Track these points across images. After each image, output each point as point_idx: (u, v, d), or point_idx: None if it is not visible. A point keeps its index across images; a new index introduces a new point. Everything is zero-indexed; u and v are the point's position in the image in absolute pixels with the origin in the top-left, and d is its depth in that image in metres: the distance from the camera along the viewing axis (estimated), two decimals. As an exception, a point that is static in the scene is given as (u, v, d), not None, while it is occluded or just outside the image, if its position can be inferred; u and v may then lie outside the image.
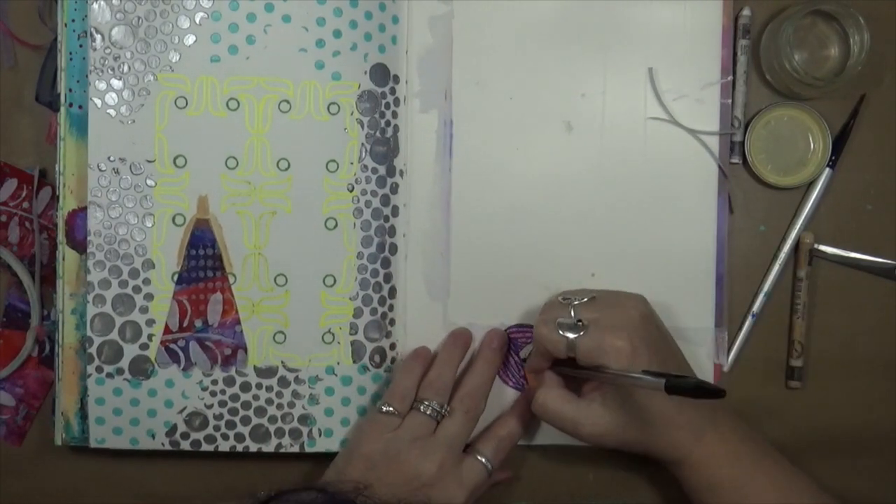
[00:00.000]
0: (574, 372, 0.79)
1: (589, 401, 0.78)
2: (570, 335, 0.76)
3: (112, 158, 0.81)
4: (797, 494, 0.78)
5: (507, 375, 0.86)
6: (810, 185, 0.86)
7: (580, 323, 0.76)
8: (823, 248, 0.86)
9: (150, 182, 0.81)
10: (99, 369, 0.81)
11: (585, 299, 0.78)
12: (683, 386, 0.67)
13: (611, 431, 0.77)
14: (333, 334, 0.83)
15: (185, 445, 0.82)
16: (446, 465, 0.77)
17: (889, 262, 0.86)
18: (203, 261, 0.82)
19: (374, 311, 0.83)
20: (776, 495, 0.77)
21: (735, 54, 0.85)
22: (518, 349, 0.85)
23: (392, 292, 0.84)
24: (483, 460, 0.79)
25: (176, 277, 0.81)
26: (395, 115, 0.84)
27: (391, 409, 0.79)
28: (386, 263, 0.84)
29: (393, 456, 0.77)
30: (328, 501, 0.66)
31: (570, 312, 0.77)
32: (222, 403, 0.82)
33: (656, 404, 0.75)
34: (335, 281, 0.82)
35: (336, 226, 0.82)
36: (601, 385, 0.78)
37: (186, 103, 0.81)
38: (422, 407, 0.79)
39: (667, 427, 0.76)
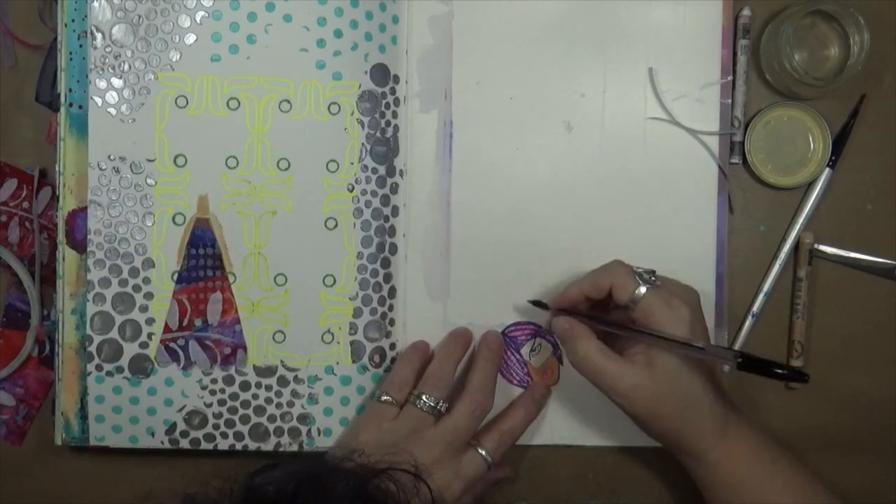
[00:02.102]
0: (619, 330, 0.77)
1: (632, 362, 0.76)
2: (642, 288, 0.75)
3: (112, 157, 0.81)
4: (813, 497, 0.77)
5: (509, 373, 0.86)
6: (810, 185, 0.86)
7: (654, 279, 0.76)
8: (823, 248, 0.86)
9: (150, 181, 0.81)
10: (99, 367, 0.81)
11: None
12: (762, 363, 0.67)
13: (647, 397, 0.75)
14: (333, 334, 0.83)
15: (185, 444, 0.82)
16: (444, 458, 0.77)
17: (889, 261, 0.86)
18: (203, 260, 0.82)
19: (373, 311, 0.83)
20: (793, 498, 0.77)
21: (735, 54, 0.85)
22: (519, 347, 0.85)
23: (392, 292, 0.84)
24: (483, 453, 0.79)
25: (176, 276, 0.82)
26: (395, 115, 0.84)
27: (389, 398, 0.79)
28: (386, 263, 0.84)
29: (388, 446, 0.75)
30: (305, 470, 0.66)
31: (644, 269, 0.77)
32: (222, 402, 0.82)
33: (697, 388, 0.74)
34: (335, 281, 0.82)
35: (336, 226, 0.82)
36: (647, 351, 0.75)
37: (187, 102, 0.81)
38: (418, 402, 0.79)
39: (699, 414, 0.75)
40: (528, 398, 0.84)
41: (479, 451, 0.79)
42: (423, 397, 0.79)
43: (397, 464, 0.65)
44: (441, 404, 0.79)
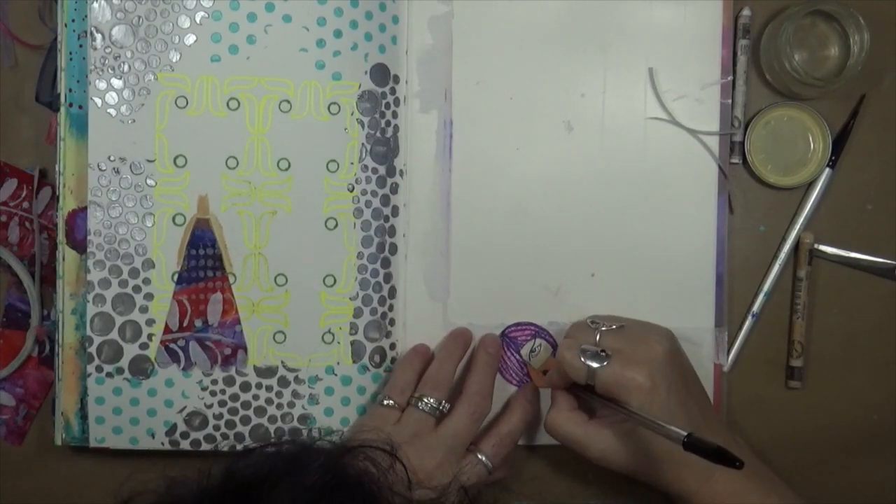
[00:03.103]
0: (591, 398, 0.79)
1: (599, 425, 0.78)
2: (593, 364, 0.75)
3: (112, 158, 0.81)
4: None
5: (509, 374, 0.86)
6: (810, 185, 0.86)
7: (603, 353, 0.76)
8: (823, 247, 0.86)
9: (150, 182, 0.81)
10: (99, 369, 0.81)
11: (614, 326, 0.79)
12: (703, 447, 0.66)
13: (618, 458, 0.77)
14: (333, 334, 0.83)
15: (185, 445, 0.82)
16: (445, 464, 0.76)
17: (889, 261, 0.86)
18: (203, 260, 0.82)
19: (374, 311, 0.83)
20: None
21: (735, 54, 0.85)
22: (519, 348, 0.85)
23: (392, 292, 0.84)
24: (483, 458, 0.79)
25: (176, 277, 0.81)
26: (395, 115, 0.84)
27: (391, 402, 0.79)
28: (386, 263, 0.84)
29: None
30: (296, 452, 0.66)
31: (596, 338, 0.77)
32: (222, 403, 0.82)
33: (665, 443, 0.73)
34: (335, 281, 0.82)
35: (336, 226, 0.82)
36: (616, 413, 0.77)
37: (187, 103, 0.81)
38: (420, 403, 0.78)
39: (675, 464, 0.76)
40: (522, 399, 0.84)
41: (479, 456, 0.79)
42: (425, 399, 0.79)
43: (372, 441, 0.65)
44: (443, 405, 0.79)
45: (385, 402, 0.79)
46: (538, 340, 0.86)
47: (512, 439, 0.81)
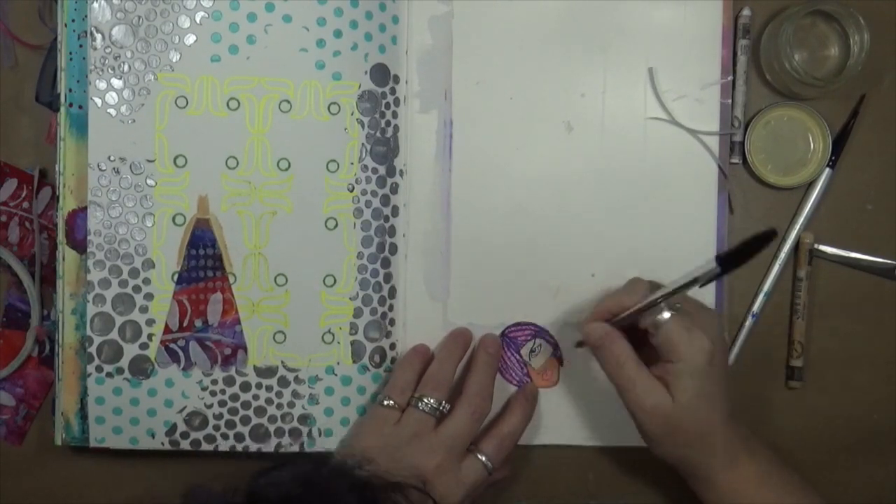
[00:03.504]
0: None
1: (661, 382, 0.74)
2: (665, 313, 0.74)
3: (112, 158, 0.81)
4: None
5: (509, 374, 0.86)
6: (810, 185, 0.86)
7: (678, 304, 0.75)
8: (823, 247, 0.86)
9: (150, 182, 0.81)
10: (99, 368, 0.81)
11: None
12: (737, 253, 0.69)
13: (665, 420, 0.74)
14: (333, 334, 0.83)
15: (185, 445, 0.82)
16: (445, 464, 0.76)
17: (889, 262, 0.86)
18: (203, 260, 0.82)
19: (374, 311, 0.83)
20: None
21: (735, 54, 0.85)
22: (519, 347, 0.85)
23: (392, 292, 0.84)
24: (483, 459, 0.78)
25: (176, 277, 0.81)
26: (395, 115, 0.84)
27: (391, 402, 0.79)
28: (386, 263, 0.84)
29: (391, 451, 0.76)
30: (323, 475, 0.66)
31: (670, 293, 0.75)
32: (222, 403, 0.82)
33: (714, 419, 0.74)
34: (335, 281, 0.82)
35: (336, 226, 0.82)
36: (669, 376, 0.74)
37: (187, 103, 0.81)
38: (420, 404, 0.78)
39: (712, 443, 0.75)
40: (522, 399, 0.83)
41: (479, 456, 0.78)
42: (425, 399, 0.78)
43: (406, 479, 0.66)
44: (443, 405, 0.79)
45: (385, 403, 0.79)
46: (538, 340, 0.86)
47: (512, 439, 0.81)
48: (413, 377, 0.81)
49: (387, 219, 0.83)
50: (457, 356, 0.83)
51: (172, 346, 0.82)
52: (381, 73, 0.83)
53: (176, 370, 0.82)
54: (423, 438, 0.77)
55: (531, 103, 0.85)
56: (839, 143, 0.85)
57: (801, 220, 0.86)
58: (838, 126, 0.86)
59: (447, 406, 0.79)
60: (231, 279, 0.82)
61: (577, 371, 0.86)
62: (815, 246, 0.86)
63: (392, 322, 0.84)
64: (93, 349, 0.81)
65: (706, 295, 0.85)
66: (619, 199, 0.85)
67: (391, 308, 0.84)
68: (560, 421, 0.86)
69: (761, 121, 0.85)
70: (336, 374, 0.83)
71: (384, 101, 0.83)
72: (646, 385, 0.74)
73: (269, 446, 0.83)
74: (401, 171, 0.84)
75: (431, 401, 0.78)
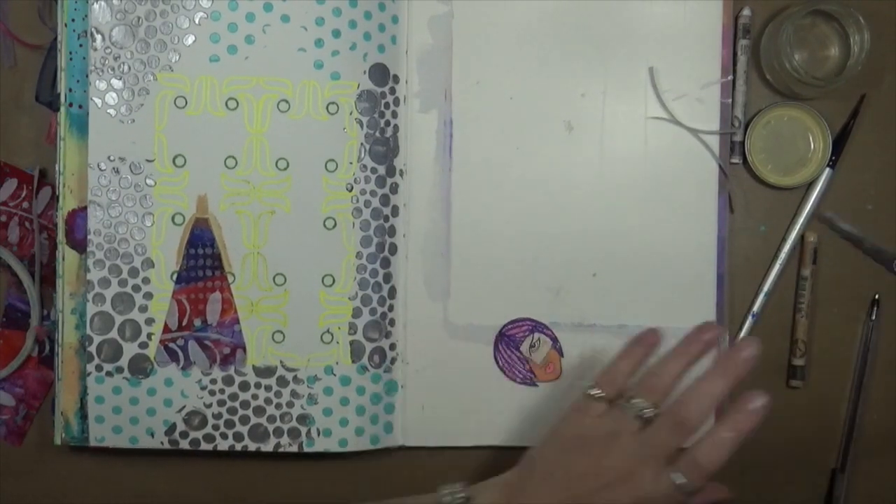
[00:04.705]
0: None
1: None
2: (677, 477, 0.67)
3: (112, 158, 0.81)
4: None
5: (511, 372, 0.85)
6: (810, 184, 0.86)
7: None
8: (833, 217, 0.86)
9: (149, 181, 0.81)
10: (98, 368, 0.81)
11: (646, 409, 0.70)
12: None
13: None
14: (332, 334, 0.83)
15: (185, 444, 0.82)
16: (635, 474, 0.68)
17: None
18: (202, 260, 0.82)
19: (373, 311, 0.83)
20: None
21: (735, 54, 0.85)
22: (518, 344, 0.85)
23: (392, 292, 0.84)
24: (678, 482, 0.67)
25: (175, 276, 0.82)
26: (394, 114, 0.84)
27: (599, 392, 0.72)
28: (385, 263, 0.83)
29: (585, 445, 0.70)
30: None
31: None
32: (221, 403, 0.82)
33: None
34: (334, 281, 0.82)
35: (335, 225, 0.82)
36: None
37: (186, 103, 0.81)
38: (628, 403, 0.70)
39: None
40: (739, 411, 0.68)
41: (677, 477, 0.67)
42: (634, 400, 0.70)
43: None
44: (652, 412, 0.70)
45: (593, 392, 0.72)
46: (536, 335, 0.86)
47: (719, 462, 0.67)
48: (629, 370, 0.73)
49: (386, 219, 0.83)
50: (688, 358, 0.72)
51: (172, 345, 0.82)
52: (381, 73, 0.83)
53: (175, 369, 0.82)
54: (619, 439, 0.69)
55: (531, 103, 0.85)
56: (839, 143, 0.85)
57: (802, 219, 0.86)
58: (838, 126, 0.86)
59: (656, 413, 0.70)
60: (230, 279, 0.82)
61: (578, 361, 0.86)
62: (826, 214, 0.86)
63: (392, 322, 0.84)
64: (92, 348, 0.81)
65: (707, 294, 0.84)
66: (619, 199, 0.85)
67: (391, 308, 0.84)
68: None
69: (761, 121, 0.85)
70: (335, 374, 0.83)
71: (383, 101, 0.83)
72: None
73: (267, 446, 0.83)
74: (401, 170, 0.84)
75: (640, 402, 0.70)
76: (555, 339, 0.85)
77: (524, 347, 0.85)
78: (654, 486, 0.67)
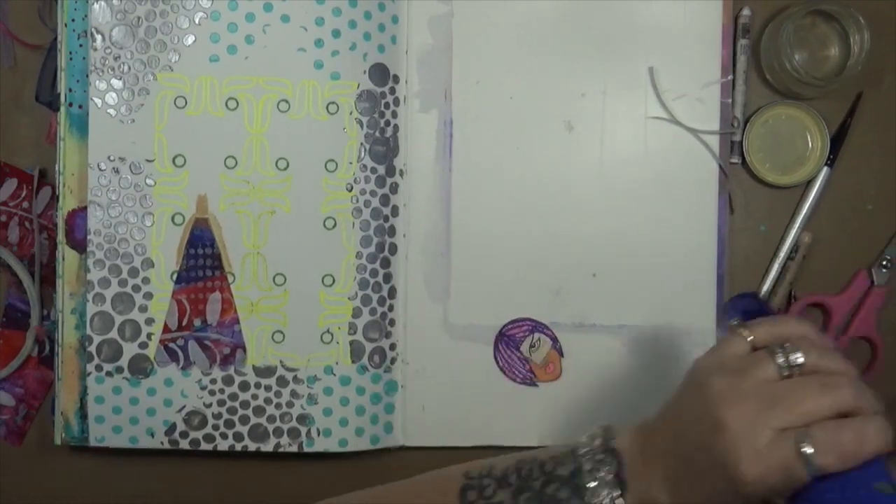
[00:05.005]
0: None
1: None
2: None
3: (112, 158, 0.81)
4: None
5: (512, 372, 0.85)
6: (808, 183, 0.86)
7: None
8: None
9: (149, 181, 0.81)
10: (98, 368, 0.81)
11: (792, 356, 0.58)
12: None
13: None
14: (332, 334, 0.83)
15: (185, 444, 0.82)
16: (748, 414, 0.57)
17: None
18: (202, 260, 0.82)
19: (373, 311, 0.83)
20: None
21: (735, 54, 0.85)
22: (518, 344, 0.85)
23: (392, 292, 0.84)
24: (807, 451, 0.55)
25: (175, 276, 0.82)
26: (394, 114, 0.84)
27: (748, 334, 0.61)
28: (385, 263, 0.83)
29: (706, 375, 0.59)
30: None
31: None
32: (221, 402, 0.82)
33: None
34: (334, 281, 0.82)
35: (335, 225, 0.82)
36: None
37: (186, 103, 0.81)
38: (776, 352, 0.58)
39: None
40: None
41: (805, 447, 0.55)
42: (782, 349, 0.59)
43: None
44: (802, 359, 0.58)
45: (743, 332, 0.61)
46: (536, 335, 0.85)
47: (856, 453, 0.55)
48: (789, 334, 0.60)
49: (386, 219, 0.83)
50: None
51: (171, 345, 0.82)
52: (381, 73, 0.83)
53: (175, 369, 0.82)
54: (752, 378, 0.58)
55: (531, 103, 0.85)
56: (837, 142, 0.85)
57: (800, 218, 0.86)
58: (836, 125, 0.86)
59: (799, 370, 0.58)
60: (230, 278, 0.82)
61: (578, 361, 0.85)
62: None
63: (392, 322, 0.84)
64: (92, 348, 0.81)
65: (707, 294, 0.84)
66: (619, 199, 0.85)
67: (391, 308, 0.84)
68: (561, 418, 0.86)
69: (759, 120, 0.85)
70: (335, 374, 0.83)
71: (383, 101, 0.83)
72: None
73: (267, 446, 0.83)
74: (401, 170, 0.84)
75: (794, 356, 0.58)
76: (555, 339, 0.85)
77: (524, 347, 0.85)
78: (775, 451, 0.56)
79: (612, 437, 0.63)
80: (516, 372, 0.86)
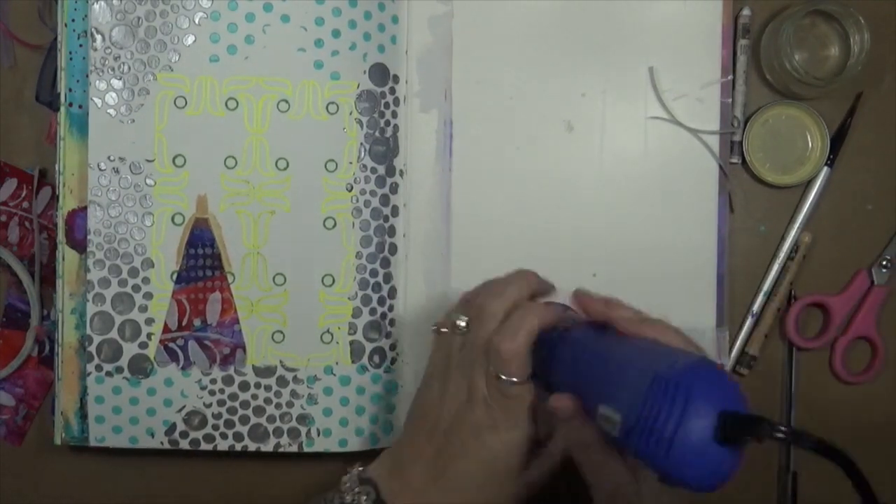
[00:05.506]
0: None
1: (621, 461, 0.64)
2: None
3: (112, 158, 0.81)
4: None
5: None
6: (808, 183, 0.86)
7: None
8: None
9: (149, 181, 0.81)
10: (98, 368, 0.81)
11: None
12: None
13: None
14: (332, 334, 0.83)
15: (184, 444, 0.82)
16: (474, 383, 0.67)
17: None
18: (202, 260, 0.82)
19: (373, 311, 0.83)
20: None
21: (735, 54, 0.85)
22: None
23: (392, 292, 0.84)
24: (491, 369, 0.67)
25: (175, 276, 0.82)
26: (394, 114, 0.84)
27: (435, 326, 0.73)
28: (385, 263, 0.83)
29: (431, 380, 0.71)
30: None
31: None
32: (221, 402, 0.82)
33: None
34: (334, 280, 0.82)
35: (335, 225, 0.82)
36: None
37: (186, 103, 0.81)
38: (446, 320, 0.71)
39: None
40: (538, 304, 0.71)
41: (491, 370, 0.66)
42: (450, 315, 0.71)
43: None
44: (464, 319, 0.70)
45: (431, 328, 0.73)
46: None
47: (510, 337, 0.66)
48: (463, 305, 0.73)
49: (386, 219, 0.83)
50: (502, 288, 0.71)
51: (171, 345, 0.82)
52: (380, 73, 0.83)
53: (175, 369, 0.82)
54: (452, 359, 0.70)
55: (531, 103, 0.85)
56: (837, 142, 0.85)
57: (800, 218, 0.86)
58: (836, 125, 0.86)
59: (468, 319, 0.70)
60: (230, 278, 0.82)
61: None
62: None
63: (392, 322, 0.84)
64: (92, 348, 0.81)
65: (707, 294, 0.84)
66: (619, 199, 0.85)
67: (391, 308, 0.84)
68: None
69: (759, 119, 0.85)
70: (335, 374, 0.83)
71: (383, 101, 0.83)
72: (612, 468, 0.63)
73: (267, 446, 0.83)
74: (401, 170, 0.84)
75: (454, 314, 0.71)
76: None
77: None
78: (485, 384, 0.67)
79: (367, 465, 0.72)
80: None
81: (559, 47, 0.85)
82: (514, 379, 0.66)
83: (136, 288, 0.81)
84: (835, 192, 0.86)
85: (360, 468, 0.72)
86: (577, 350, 0.65)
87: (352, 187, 0.82)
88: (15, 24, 0.86)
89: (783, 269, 0.86)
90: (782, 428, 0.52)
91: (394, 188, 0.84)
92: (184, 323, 0.82)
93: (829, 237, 0.86)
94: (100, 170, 0.81)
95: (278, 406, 0.83)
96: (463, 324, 0.70)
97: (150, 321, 0.82)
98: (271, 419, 0.83)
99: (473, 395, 0.67)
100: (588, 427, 0.62)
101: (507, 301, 0.70)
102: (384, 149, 0.83)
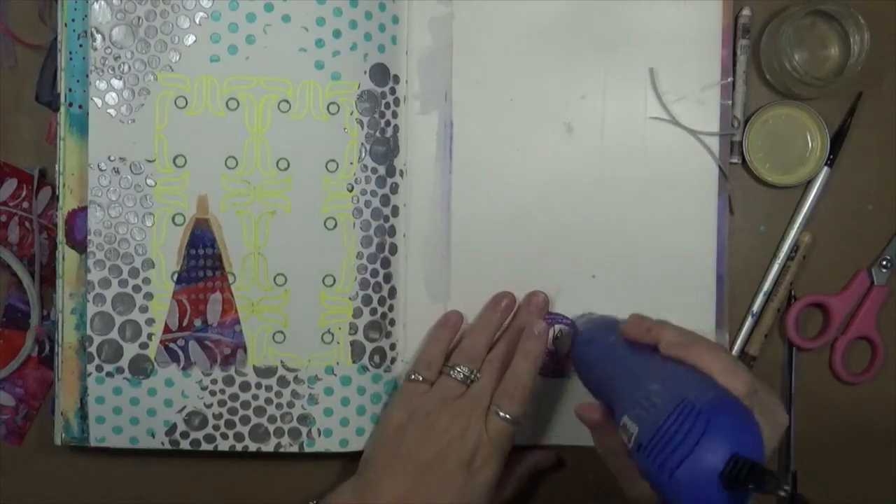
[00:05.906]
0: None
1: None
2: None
3: (112, 158, 0.81)
4: None
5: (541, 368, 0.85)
6: (808, 183, 0.86)
7: None
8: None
9: (149, 182, 0.81)
10: (99, 368, 0.81)
11: None
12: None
13: None
14: (333, 334, 0.83)
15: (185, 445, 0.82)
16: (468, 426, 0.76)
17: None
18: (203, 260, 0.82)
19: (373, 311, 0.83)
20: None
21: (735, 54, 0.85)
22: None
23: (392, 292, 0.84)
24: (501, 414, 0.77)
25: (175, 277, 0.82)
26: (395, 115, 0.84)
27: (418, 376, 0.81)
28: (386, 263, 0.83)
29: (422, 416, 0.77)
30: None
31: None
32: (222, 403, 0.82)
33: None
34: (334, 281, 0.82)
35: (335, 225, 0.82)
36: None
37: (186, 103, 0.81)
38: (452, 372, 0.79)
39: None
40: (524, 339, 0.80)
41: (497, 412, 0.77)
42: (457, 368, 0.80)
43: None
44: (475, 373, 0.79)
45: (413, 377, 0.81)
46: (557, 326, 0.85)
47: (523, 385, 0.78)
48: (441, 352, 0.82)
49: (387, 219, 0.83)
50: (493, 325, 0.83)
51: (172, 345, 0.82)
52: (381, 73, 0.83)
53: (175, 370, 0.82)
54: (449, 403, 0.78)
55: (531, 104, 0.85)
56: (837, 142, 0.85)
57: (800, 218, 0.86)
58: (836, 125, 0.86)
59: (478, 374, 0.80)
60: (230, 279, 0.82)
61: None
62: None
63: (392, 322, 0.84)
64: (93, 349, 0.81)
65: (707, 295, 0.85)
66: (619, 200, 0.85)
67: (391, 308, 0.84)
68: (562, 421, 0.86)
69: (759, 120, 0.85)
70: (335, 375, 0.83)
71: (384, 101, 0.83)
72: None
73: (268, 446, 0.83)
74: (401, 171, 0.84)
75: (464, 369, 0.79)
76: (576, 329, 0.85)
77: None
78: (485, 428, 0.76)
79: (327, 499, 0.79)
80: (545, 366, 0.85)
81: (559, 49, 0.85)
82: (519, 421, 0.77)
83: (137, 288, 0.81)
84: (835, 192, 0.86)
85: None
86: (615, 362, 0.70)
87: (352, 187, 0.82)
88: (15, 24, 0.86)
89: (783, 270, 0.86)
90: (786, 487, 0.52)
91: (394, 188, 0.84)
92: (184, 323, 0.82)
93: (828, 237, 0.87)
94: (100, 170, 0.81)
95: (279, 406, 0.83)
96: (474, 375, 0.79)
97: (150, 321, 0.82)
98: (272, 419, 0.83)
99: (467, 434, 0.76)
100: (615, 436, 0.64)
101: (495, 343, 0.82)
102: (385, 149, 0.83)
